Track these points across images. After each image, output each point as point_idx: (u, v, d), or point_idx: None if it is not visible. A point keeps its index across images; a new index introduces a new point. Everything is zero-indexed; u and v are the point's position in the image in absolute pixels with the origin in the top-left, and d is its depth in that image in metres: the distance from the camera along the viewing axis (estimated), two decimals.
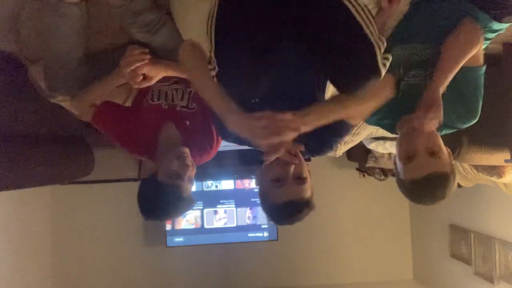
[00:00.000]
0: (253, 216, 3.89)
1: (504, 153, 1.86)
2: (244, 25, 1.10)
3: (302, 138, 1.14)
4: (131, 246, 4.03)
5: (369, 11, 1.09)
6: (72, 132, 2.42)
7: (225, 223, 3.90)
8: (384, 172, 3.35)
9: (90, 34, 1.55)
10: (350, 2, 1.04)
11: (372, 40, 1.07)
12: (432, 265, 3.77)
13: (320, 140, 1.26)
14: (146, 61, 1.48)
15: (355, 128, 1.88)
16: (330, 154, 1.63)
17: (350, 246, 4.13)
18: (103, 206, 3.99)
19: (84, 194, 3.93)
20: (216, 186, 3.93)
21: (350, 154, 3.52)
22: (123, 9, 1.42)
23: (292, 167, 1.15)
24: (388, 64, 1.15)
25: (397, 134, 1.48)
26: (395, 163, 1.44)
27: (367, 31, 1.06)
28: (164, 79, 1.59)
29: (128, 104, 1.75)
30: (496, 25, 1.38)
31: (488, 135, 1.86)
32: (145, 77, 1.52)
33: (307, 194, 1.18)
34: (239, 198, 3.90)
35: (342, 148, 2.07)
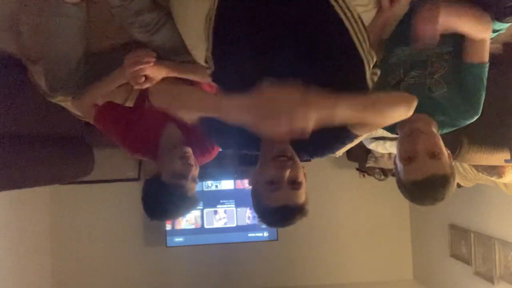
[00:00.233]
0: (253, 216, 3.87)
1: (504, 153, 1.86)
2: (243, 25, 1.10)
3: (303, 142, 1.12)
4: (131, 246, 4.02)
5: (362, 23, 1.10)
6: (72, 132, 2.41)
7: (225, 223, 3.89)
8: (384, 172, 3.34)
9: (90, 34, 1.55)
10: (344, 13, 1.05)
11: (363, 55, 1.07)
12: (432, 265, 3.77)
13: (321, 145, 1.24)
14: (152, 63, 1.48)
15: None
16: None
17: (350, 246, 4.12)
18: (103, 206, 3.98)
19: (84, 194, 3.92)
20: (216, 186, 3.92)
21: (350, 154, 3.51)
22: (123, 9, 1.41)
23: (288, 171, 1.10)
24: (376, 78, 1.15)
25: (397, 134, 1.48)
26: (395, 164, 1.44)
27: (358, 46, 1.06)
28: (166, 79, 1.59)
29: (128, 104, 1.75)
30: (496, 25, 1.38)
31: (488, 135, 1.86)
32: (147, 78, 1.52)
33: (301, 199, 1.14)
34: (239, 198, 3.90)
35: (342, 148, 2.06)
